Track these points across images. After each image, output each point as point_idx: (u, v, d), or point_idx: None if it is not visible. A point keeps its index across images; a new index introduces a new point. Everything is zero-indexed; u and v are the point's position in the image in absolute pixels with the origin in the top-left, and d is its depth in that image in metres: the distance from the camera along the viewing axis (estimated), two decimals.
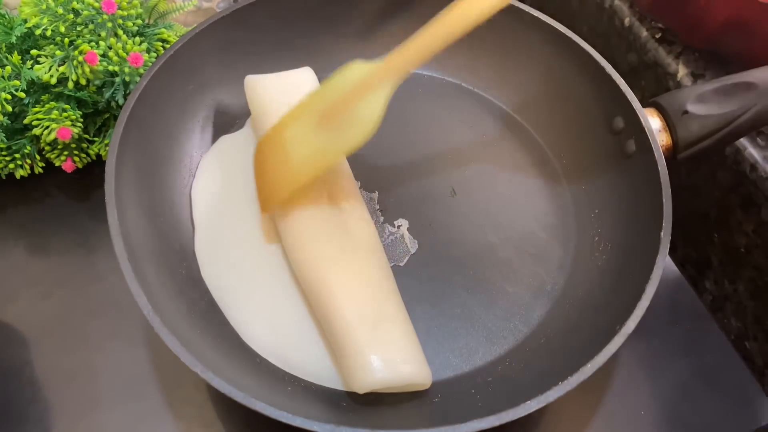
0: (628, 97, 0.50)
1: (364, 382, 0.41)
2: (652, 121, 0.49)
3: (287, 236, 0.47)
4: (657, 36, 0.60)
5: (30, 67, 0.52)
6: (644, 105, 0.50)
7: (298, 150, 0.46)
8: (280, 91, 0.53)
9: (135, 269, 0.40)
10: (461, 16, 0.43)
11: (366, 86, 0.45)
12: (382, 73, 0.45)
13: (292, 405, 0.40)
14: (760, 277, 0.54)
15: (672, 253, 0.62)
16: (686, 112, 0.48)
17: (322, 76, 0.55)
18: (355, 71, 0.46)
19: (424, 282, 0.49)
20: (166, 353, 0.38)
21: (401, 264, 0.50)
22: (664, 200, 0.45)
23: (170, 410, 0.47)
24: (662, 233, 0.44)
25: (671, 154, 0.49)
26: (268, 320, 0.47)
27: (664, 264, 0.43)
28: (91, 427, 0.47)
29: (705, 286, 0.60)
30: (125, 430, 0.47)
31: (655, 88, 0.61)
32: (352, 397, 0.44)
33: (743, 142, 0.53)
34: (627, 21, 0.63)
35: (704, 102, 0.48)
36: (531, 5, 0.57)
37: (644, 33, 0.61)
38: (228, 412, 0.47)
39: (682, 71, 0.58)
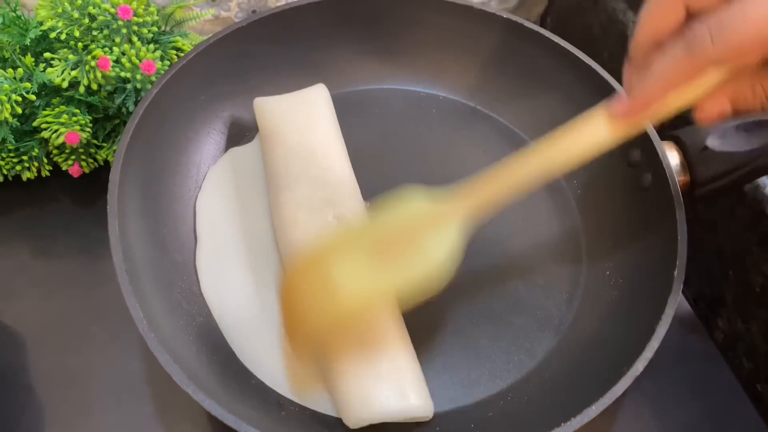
0: (647, 128, 0.49)
1: (358, 417, 0.40)
2: (670, 156, 0.48)
3: (288, 253, 0.46)
4: None
5: (42, 69, 0.51)
6: (663, 138, 0.49)
7: (349, 282, 0.39)
8: (290, 111, 0.52)
9: (132, 282, 0.40)
10: (551, 161, 0.39)
11: (435, 221, 0.40)
12: (456, 210, 0.40)
13: (285, 430, 0.39)
14: None
15: (685, 287, 0.60)
16: (706, 148, 0.47)
17: (336, 93, 0.55)
18: (419, 202, 0.41)
19: (428, 309, 0.48)
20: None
21: None
22: (679, 238, 0.44)
23: (163, 422, 0.46)
24: (675, 272, 0.43)
25: (689, 190, 0.48)
26: (266, 341, 0.46)
27: (677, 304, 0.41)
28: None
29: (717, 324, 0.59)
30: None
31: (675, 120, 0.60)
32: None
33: (764, 179, 0.52)
34: None
35: (725, 138, 0.47)
36: (552, 31, 0.56)
37: None
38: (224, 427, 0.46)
39: None
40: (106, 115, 0.55)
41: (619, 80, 0.52)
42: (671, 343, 0.54)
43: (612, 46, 0.67)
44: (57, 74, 0.50)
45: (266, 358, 0.45)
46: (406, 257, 0.39)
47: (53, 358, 0.49)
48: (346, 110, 0.54)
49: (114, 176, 0.44)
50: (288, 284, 0.42)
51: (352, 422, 0.41)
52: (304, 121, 0.52)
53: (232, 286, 0.48)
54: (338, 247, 0.41)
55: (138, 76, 0.51)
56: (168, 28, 0.58)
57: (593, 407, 0.37)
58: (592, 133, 0.38)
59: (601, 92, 0.53)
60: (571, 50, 0.54)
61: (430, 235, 0.39)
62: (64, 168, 0.54)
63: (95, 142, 0.55)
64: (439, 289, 0.39)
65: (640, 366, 0.39)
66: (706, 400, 0.51)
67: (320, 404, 0.43)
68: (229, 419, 0.35)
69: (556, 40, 0.55)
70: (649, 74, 0.35)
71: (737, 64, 0.34)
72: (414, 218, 0.40)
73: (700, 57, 0.32)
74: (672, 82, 0.34)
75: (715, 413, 0.50)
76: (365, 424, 0.41)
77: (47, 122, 0.51)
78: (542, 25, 0.79)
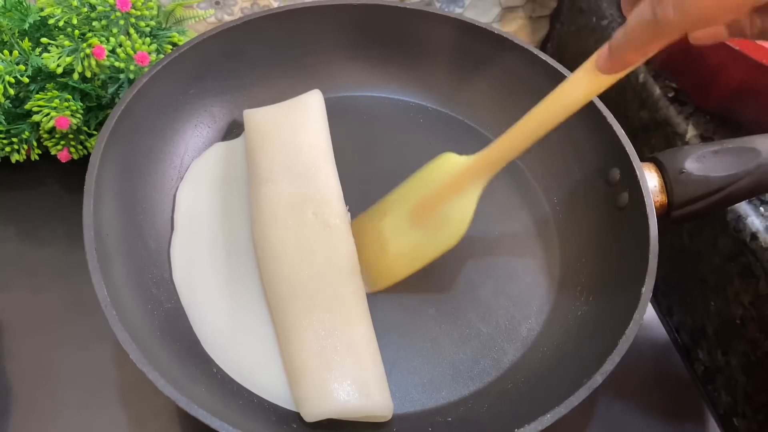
0: (627, 149, 0.49)
1: (315, 410, 0.40)
2: (649, 176, 0.48)
3: (264, 248, 0.47)
4: (669, 95, 0.60)
5: (38, 54, 0.52)
6: (643, 159, 0.49)
7: (395, 244, 0.48)
8: (282, 114, 0.53)
9: (101, 261, 0.40)
10: (555, 108, 0.41)
11: (457, 185, 0.46)
12: (475, 171, 0.45)
13: (239, 419, 0.39)
14: (753, 352, 0.52)
15: (668, 317, 0.60)
16: (684, 171, 0.47)
17: (326, 97, 0.55)
18: (448, 165, 0.47)
19: (397, 311, 0.48)
20: None
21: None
22: (650, 256, 0.44)
23: (134, 425, 0.46)
24: (643, 289, 0.43)
25: (665, 211, 0.48)
26: (232, 331, 0.46)
27: (641, 321, 0.41)
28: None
29: (698, 356, 0.58)
30: None
31: (663, 146, 0.60)
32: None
33: (746, 209, 0.52)
34: (642, 77, 0.62)
35: (703, 163, 0.47)
36: (552, 55, 0.57)
37: (657, 91, 0.60)
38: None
39: (691, 132, 0.57)
40: (99, 104, 0.56)
41: (614, 106, 0.53)
42: (646, 369, 0.54)
43: None
44: (52, 60, 0.51)
45: (229, 348, 0.45)
46: (435, 220, 0.46)
47: (32, 350, 0.49)
48: (334, 115, 0.55)
49: (95, 157, 0.44)
50: (355, 233, 0.49)
51: (309, 415, 0.40)
52: (296, 122, 0.52)
53: (204, 276, 0.48)
54: (386, 208, 0.50)
55: (131, 67, 0.52)
56: (168, 25, 0.59)
57: (548, 416, 0.37)
58: (579, 85, 0.40)
59: (586, 113, 0.53)
60: (557, 68, 0.55)
61: (454, 196, 0.46)
62: (53, 153, 0.55)
63: (86, 129, 0.56)
64: (454, 245, 0.46)
65: (599, 378, 0.39)
66: (675, 427, 0.51)
67: (280, 397, 0.43)
68: (181, 400, 0.35)
69: (548, 60, 0.56)
70: (623, 31, 0.35)
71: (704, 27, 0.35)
72: (442, 180, 0.46)
73: (663, 24, 0.32)
74: (640, 41, 0.35)
75: None
76: (323, 418, 0.40)
77: (39, 106, 0.52)
78: (542, 49, 0.80)
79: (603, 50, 0.38)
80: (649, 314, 0.57)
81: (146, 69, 0.52)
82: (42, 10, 0.52)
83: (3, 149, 0.55)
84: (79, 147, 0.56)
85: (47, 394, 0.47)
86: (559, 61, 0.56)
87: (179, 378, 0.39)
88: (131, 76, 0.53)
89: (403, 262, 0.48)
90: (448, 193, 0.46)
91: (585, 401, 0.39)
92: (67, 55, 0.52)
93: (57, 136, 0.54)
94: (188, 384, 0.39)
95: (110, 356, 0.48)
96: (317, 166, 0.51)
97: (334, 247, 0.47)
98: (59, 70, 0.51)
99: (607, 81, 0.39)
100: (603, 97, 0.53)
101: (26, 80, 0.51)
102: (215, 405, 0.39)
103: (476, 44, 0.58)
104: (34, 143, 0.55)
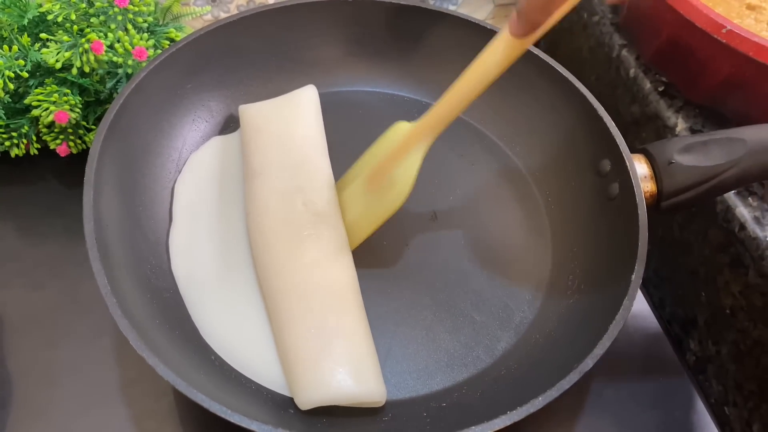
0: (617, 140, 0.50)
1: (310, 398, 0.41)
2: (639, 167, 0.49)
3: (257, 239, 0.47)
4: (659, 89, 0.60)
5: (38, 49, 0.53)
6: (633, 151, 0.50)
7: (350, 212, 0.50)
8: (276, 109, 0.54)
9: (101, 250, 0.41)
10: (479, 74, 0.45)
11: (402, 149, 0.48)
12: (417, 135, 0.48)
13: (237, 404, 0.40)
14: (743, 341, 0.53)
15: (660, 309, 0.61)
16: (673, 161, 0.48)
17: (322, 92, 0.56)
18: (397, 132, 0.49)
19: (392, 300, 0.49)
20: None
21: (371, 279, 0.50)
22: (639, 245, 0.45)
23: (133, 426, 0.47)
24: (633, 276, 0.43)
25: (655, 201, 0.49)
26: (229, 319, 0.46)
27: (632, 306, 0.42)
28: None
29: (689, 346, 0.59)
30: None
31: (654, 140, 0.61)
32: None
33: (734, 200, 0.53)
34: (632, 72, 0.63)
35: (692, 153, 0.48)
36: (545, 52, 0.58)
37: (647, 85, 0.61)
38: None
39: (680, 125, 0.58)
40: (98, 99, 0.56)
41: (606, 101, 0.54)
42: (639, 360, 0.55)
43: (599, 69, 0.69)
44: (51, 55, 0.52)
45: (227, 336, 0.46)
46: (384, 184, 0.48)
47: (32, 348, 0.49)
48: (330, 109, 0.56)
49: (94, 149, 0.45)
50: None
51: (303, 403, 0.41)
52: (289, 116, 0.53)
53: (202, 267, 0.49)
54: (347, 180, 0.51)
55: (129, 62, 0.53)
56: (165, 23, 0.60)
57: (540, 398, 0.38)
58: (498, 52, 0.43)
59: (578, 106, 0.54)
60: (549, 63, 0.55)
61: (400, 160, 0.48)
62: (52, 147, 0.56)
63: (85, 124, 0.56)
64: (400, 206, 0.48)
65: (590, 362, 0.40)
66: (666, 414, 0.51)
67: (276, 384, 0.44)
68: (180, 384, 0.36)
69: (541, 56, 0.57)
70: None
71: None
72: (391, 147, 0.48)
73: None
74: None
75: (674, 427, 0.51)
76: (317, 405, 0.41)
77: (38, 100, 0.53)
78: (535, 46, 0.81)
79: (513, 16, 0.41)
80: (641, 306, 0.58)
81: (144, 64, 0.53)
82: (41, 6, 0.53)
83: (2, 144, 0.55)
84: (78, 141, 0.56)
85: (46, 389, 0.47)
86: (552, 57, 0.57)
87: (178, 364, 0.39)
88: (129, 71, 0.53)
89: (359, 227, 0.49)
90: (396, 157, 0.48)
91: (577, 390, 0.39)
92: (66, 51, 0.52)
93: (56, 130, 0.55)
94: (187, 370, 0.40)
95: (109, 351, 0.49)
96: (309, 159, 0.51)
97: (325, 236, 0.47)
98: (58, 65, 0.52)
99: (524, 44, 0.42)
100: (595, 92, 0.54)
101: (25, 75, 0.52)
102: (214, 390, 0.39)
103: (471, 40, 0.59)
104: (34, 138, 0.56)
